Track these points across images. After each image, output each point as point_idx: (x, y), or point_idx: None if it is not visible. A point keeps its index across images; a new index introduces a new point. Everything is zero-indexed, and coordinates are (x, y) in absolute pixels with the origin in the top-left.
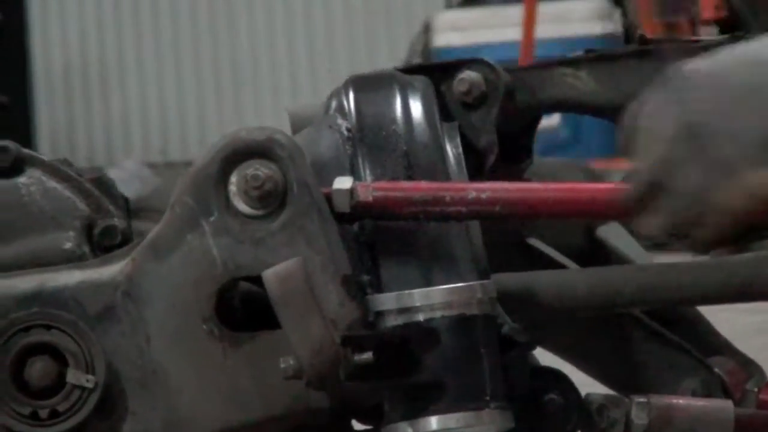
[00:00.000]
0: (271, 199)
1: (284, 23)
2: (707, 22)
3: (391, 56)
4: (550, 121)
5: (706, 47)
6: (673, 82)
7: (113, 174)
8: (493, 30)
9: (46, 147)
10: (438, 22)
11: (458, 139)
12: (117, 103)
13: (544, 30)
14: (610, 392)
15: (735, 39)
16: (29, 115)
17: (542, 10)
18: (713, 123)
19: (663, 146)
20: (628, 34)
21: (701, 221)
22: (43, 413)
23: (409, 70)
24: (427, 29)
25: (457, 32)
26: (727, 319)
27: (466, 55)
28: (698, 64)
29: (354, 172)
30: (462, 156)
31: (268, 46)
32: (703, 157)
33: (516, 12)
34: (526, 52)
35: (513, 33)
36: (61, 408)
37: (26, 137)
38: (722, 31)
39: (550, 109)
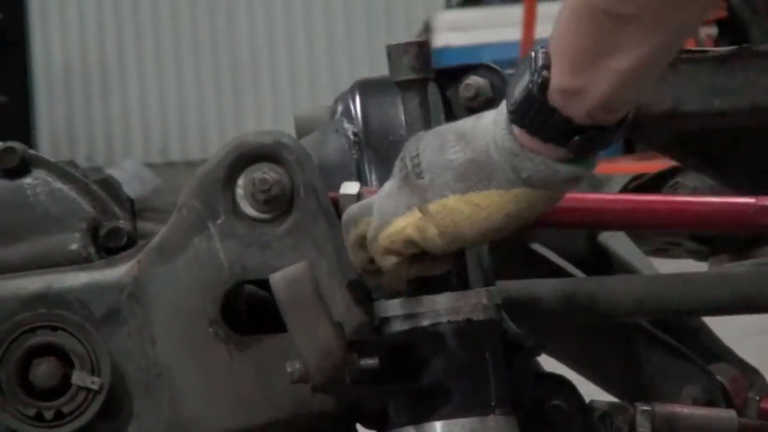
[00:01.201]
0: (278, 203)
1: (284, 23)
2: (707, 23)
3: None
4: None
5: (713, 59)
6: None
7: (113, 174)
8: (493, 30)
9: (46, 147)
10: (438, 22)
11: None
12: (117, 103)
13: (544, 30)
14: (614, 399)
15: (742, 51)
16: (29, 115)
17: (542, 10)
18: (422, 156)
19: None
20: None
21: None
22: (48, 414)
23: None
24: (427, 29)
25: (457, 32)
26: (727, 320)
27: (466, 55)
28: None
29: (360, 177)
30: None
31: (268, 46)
32: (408, 183)
33: (516, 12)
34: (526, 52)
35: (513, 33)
36: (66, 409)
37: (26, 137)
38: (722, 31)
39: None
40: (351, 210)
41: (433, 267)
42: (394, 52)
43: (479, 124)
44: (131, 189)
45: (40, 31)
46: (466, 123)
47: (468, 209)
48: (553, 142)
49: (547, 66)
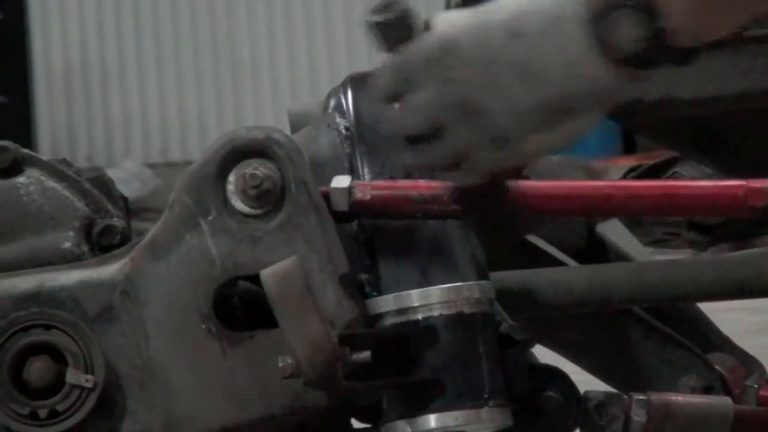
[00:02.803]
0: (269, 199)
1: (284, 23)
2: None
3: None
4: None
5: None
6: (435, 55)
7: (113, 174)
8: None
9: (46, 147)
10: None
11: None
12: (117, 103)
13: None
14: (609, 389)
15: (734, 37)
16: (29, 115)
17: None
18: (485, 99)
19: (437, 116)
20: None
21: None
22: (42, 413)
23: None
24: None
25: None
26: (729, 319)
27: None
28: (454, 31)
29: (352, 171)
30: None
31: (268, 46)
32: (479, 129)
33: None
34: None
35: None
36: (60, 408)
37: (26, 137)
38: None
39: None
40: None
41: None
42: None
43: None
44: (131, 189)
45: (40, 31)
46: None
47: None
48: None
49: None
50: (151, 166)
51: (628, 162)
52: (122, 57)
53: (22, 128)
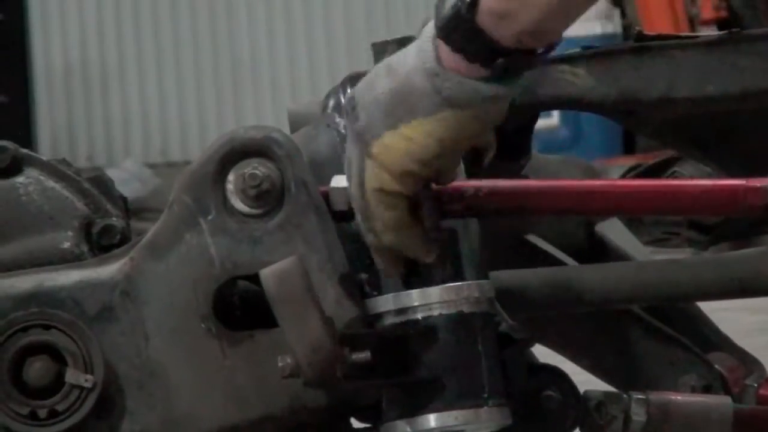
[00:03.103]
0: (269, 198)
1: (284, 23)
2: (707, 23)
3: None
4: (550, 120)
5: (705, 44)
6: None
7: (113, 174)
8: None
9: (46, 147)
10: None
11: None
12: (117, 103)
13: None
14: (609, 389)
15: (733, 36)
16: (29, 115)
17: None
18: (357, 96)
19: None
20: (627, 34)
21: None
22: (42, 413)
23: None
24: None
25: None
26: (728, 319)
27: None
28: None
29: None
30: None
31: (268, 46)
32: (351, 130)
33: None
34: None
35: None
36: (59, 407)
37: (26, 137)
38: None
39: (549, 106)
40: (350, 194)
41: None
42: (376, 49)
43: (405, 52)
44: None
45: (40, 31)
46: (395, 55)
47: (402, 143)
48: (477, 62)
49: None
50: (151, 166)
51: (629, 162)
52: (122, 57)
53: (22, 128)
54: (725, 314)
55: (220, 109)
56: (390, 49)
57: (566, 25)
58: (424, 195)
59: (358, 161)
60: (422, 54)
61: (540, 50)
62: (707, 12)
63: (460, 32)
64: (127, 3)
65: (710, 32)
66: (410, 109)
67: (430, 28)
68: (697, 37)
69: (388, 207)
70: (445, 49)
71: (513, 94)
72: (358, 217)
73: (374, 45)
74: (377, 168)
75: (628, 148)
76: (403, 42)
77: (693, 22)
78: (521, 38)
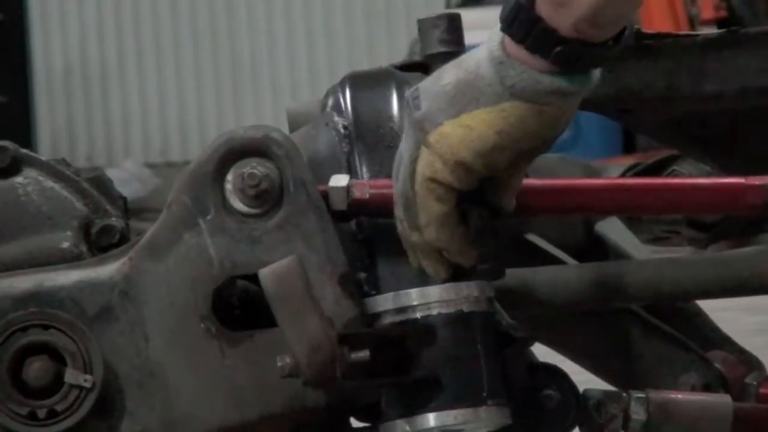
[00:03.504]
0: (268, 198)
1: (284, 23)
2: (707, 23)
3: (391, 56)
4: None
5: (704, 42)
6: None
7: (113, 174)
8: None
9: (46, 147)
10: None
11: None
12: (117, 103)
13: None
14: (609, 388)
15: (732, 34)
16: (29, 115)
17: None
18: (422, 87)
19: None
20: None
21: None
22: (41, 413)
23: (406, 67)
24: None
25: None
26: (727, 319)
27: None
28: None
29: (351, 170)
30: None
31: (268, 46)
32: (410, 121)
33: None
34: None
35: None
36: (59, 408)
37: (26, 137)
38: None
39: None
40: (397, 190)
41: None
42: (424, 26)
43: (476, 49)
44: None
45: (40, 31)
46: (466, 53)
47: (460, 131)
48: (538, 53)
49: None
50: (151, 166)
51: (628, 162)
52: (122, 57)
53: (22, 128)
54: (724, 314)
55: (220, 109)
56: (441, 25)
57: (626, 16)
58: (473, 197)
59: (412, 150)
60: (490, 45)
61: (609, 42)
62: (707, 12)
63: (520, 21)
64: (127, 3)
65: (710, 31)
66: (474, 98)
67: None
68: (696, 35)
69: (437, 199)
70: (509, 40)
71: (579, 91)
72: (400, 213)
73: (421, 21)
74: (432, 156)
75: (628, 148)
76: (452, 19)
77: (693, 22)
78: (579, 27)
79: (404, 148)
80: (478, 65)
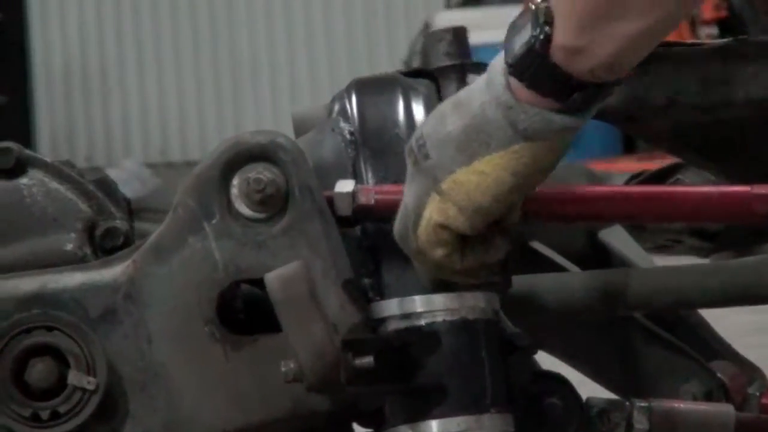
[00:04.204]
0: (273, 203)
1: (284, 23)
2: (707, 23)
3: (390, 56)
4: None
5: (710, 51)
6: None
7: (113, 174)
8: (493, 30)
9: (45, 147)
10: (438, 22)
11: None
12: (117, 103)
13: None
14: (612, 396)
15: (739, 43)
16: (29, 115)
17: None
18: (426, 134)
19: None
20: None
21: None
22: (44, 415)
23: (412, 73)
24: (427, 29)
25: None
26: (725, 318)
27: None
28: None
29: (356, 176)
30: None
31: (268, 46)
32: (417, 169)
33: (516, 12)
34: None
35: None
36: (62, 409)
37: (26, 137)
38: (722, 31)
39: None
40: (395, 229)
41: (488, 251)
42: (429, 39)
43: (473, 88)
44: (131, 189)
45: (40, 31)
46: (462, 91)
47: (476, 178)
48: (552, 97)
49: (549, 22)
50: (151, 166)
51: (629, 163)
52: (122, 57)
53: (22, 128)
54: (723, 313)
55: (220, 109)
56: (446, 38)
57: (641, 57)
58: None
59: (418, 198)
60: (494, 88)
61: (613, 80)
62: (707, 12)
63: (534, 68)
64: (127, 3)
65: (711, 31)
66: (484, 143)
67: (499, 63)
68: (702, 44)
69: (442, 244)
70: (517, 84)
71: (584, 124)
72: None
73: (428, 35)
74: (445, 204)
75: (628, 149)
76: (458, 33)
77: (693, 22)
78: (596, 72)
79: (409, 195)
80: (483, 109)
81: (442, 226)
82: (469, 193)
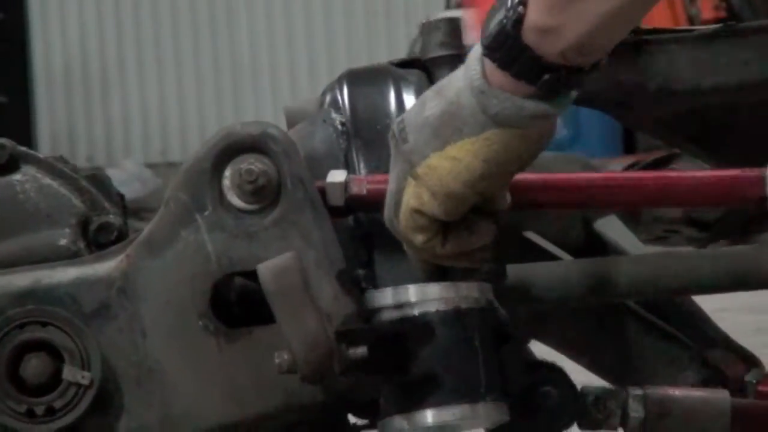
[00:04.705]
0: (265, 194)
1: (284, 23)
2: (707, 22)
3: (391, 56)
4: None
5: (700, 36)
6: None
7: (113, 174)
8: None
9: (46, 147)
10: None
11: None
12: (117, 103)
13: None
14: (607, 384)
15: (728, 28)
16: (29, 115)
17: None
18: (407, 119)
19: None
20: None
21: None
22: (39, 410)
23: (404, 64)
24: None
25: None
26: (725, 318)
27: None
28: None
29: (348, 166)
30: None
31: (268, 46)
32: (397, 152)
33: None
34: None
35: None
36: (57, 405)
37: (26, 137)
38: None
39: None
40: (385, 215)
41: (471, 237)
42: (424, 29)
43: (453, 75)
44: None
45: (40, 31)
46: (445, 78)
47: (448, 164)
48: (523, 80)
49: (523, 2)
50: (151, 166)
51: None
52: (122, 57)
53: (22, 128)
54: (722, 314)
55: (220, 109)
56: (443, 27)
57: (612, 43)
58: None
59: (398, 182)
60: (469, 73)
61: (587, 68)
62: (707, 12)
63: (506, 49)
64: (127, 3)
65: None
66: (457, 129)
67: (478, 48)
68: (693, 30)
69: (420, 230)
70: (491, 67)
71: (560, 113)
72: (395, 233)
73: (423, 24)
74: (419, 188)
75: (628, 148)
76: (452, 23)
77: (693, 22)
78: (566, 54)
79: (390, 178)
80: (458, 95)
81: (418, 211)
82: (441, 178)
